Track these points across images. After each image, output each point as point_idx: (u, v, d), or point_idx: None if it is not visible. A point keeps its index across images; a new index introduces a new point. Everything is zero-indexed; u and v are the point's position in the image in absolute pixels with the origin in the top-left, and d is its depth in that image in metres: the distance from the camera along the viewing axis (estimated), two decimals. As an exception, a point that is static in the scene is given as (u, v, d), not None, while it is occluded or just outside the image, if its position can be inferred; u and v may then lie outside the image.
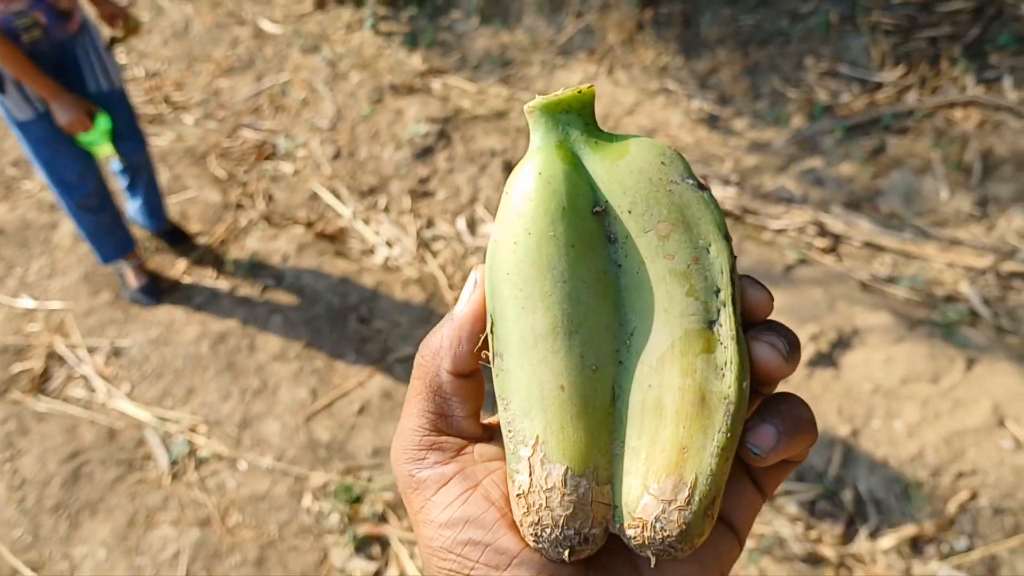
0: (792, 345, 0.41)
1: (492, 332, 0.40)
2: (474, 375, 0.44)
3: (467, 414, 0.44)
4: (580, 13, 3.99)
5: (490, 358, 0.41)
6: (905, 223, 2.82)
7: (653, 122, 3.45)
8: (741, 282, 0.42)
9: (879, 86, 3.24)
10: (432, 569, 0.41)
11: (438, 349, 0.43)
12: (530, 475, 0.39)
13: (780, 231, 2.87)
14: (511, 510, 0.41)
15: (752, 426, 0.40)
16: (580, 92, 0.42)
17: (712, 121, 3.37)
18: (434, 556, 0.41)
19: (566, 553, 0.38)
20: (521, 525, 0.39)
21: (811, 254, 2.80)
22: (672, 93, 3.54)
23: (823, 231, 2.84)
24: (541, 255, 0.40)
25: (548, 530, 0.38)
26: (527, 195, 0.41)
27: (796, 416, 0.40)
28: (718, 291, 0.40)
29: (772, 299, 0.42)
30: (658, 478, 0.38)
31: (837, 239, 2.84)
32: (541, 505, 0.38)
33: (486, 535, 0.40)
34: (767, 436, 0.39)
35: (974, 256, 2.69)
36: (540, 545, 0.39)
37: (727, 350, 0.39)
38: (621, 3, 3.92)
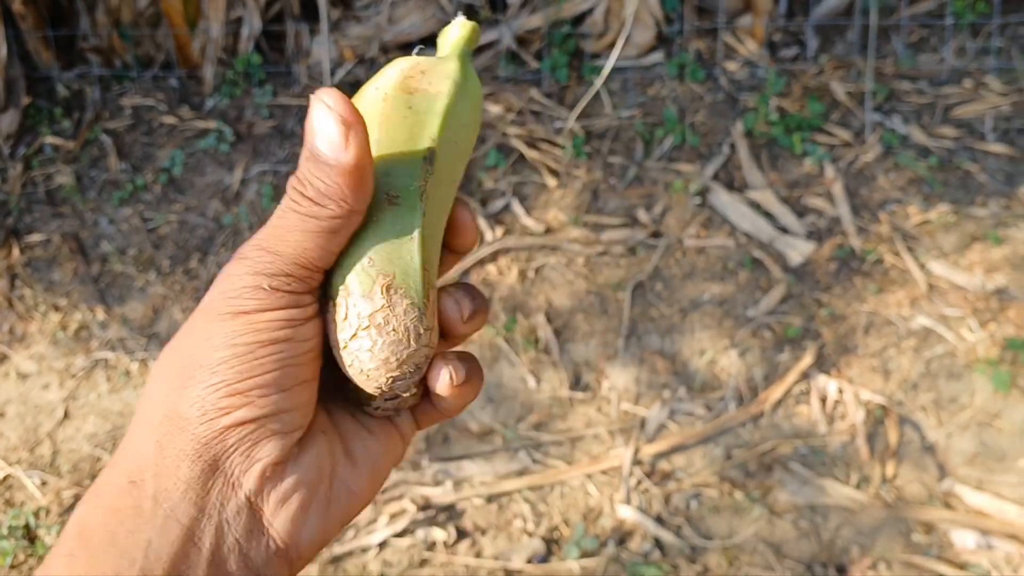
0: (476, 309, 0.45)
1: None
2: None
3: None
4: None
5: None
6: (511, 443, 2.12)
7: (110, 423, 2.23)
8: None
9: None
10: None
11: None
12: None
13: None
14: None
15: (435, 366, 0.45)
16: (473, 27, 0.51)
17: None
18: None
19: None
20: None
21: (434, 555, 1.95)
22: (109, 364, 2.34)
23: (432, 513, 2.01)
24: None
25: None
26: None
27: (471, 367, 0.46)
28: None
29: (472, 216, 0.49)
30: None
31: (450, 512, 2.02)
32: None
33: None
34: (444, 380, 0.45)
35: (604, 455, 2.10)
36: None
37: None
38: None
